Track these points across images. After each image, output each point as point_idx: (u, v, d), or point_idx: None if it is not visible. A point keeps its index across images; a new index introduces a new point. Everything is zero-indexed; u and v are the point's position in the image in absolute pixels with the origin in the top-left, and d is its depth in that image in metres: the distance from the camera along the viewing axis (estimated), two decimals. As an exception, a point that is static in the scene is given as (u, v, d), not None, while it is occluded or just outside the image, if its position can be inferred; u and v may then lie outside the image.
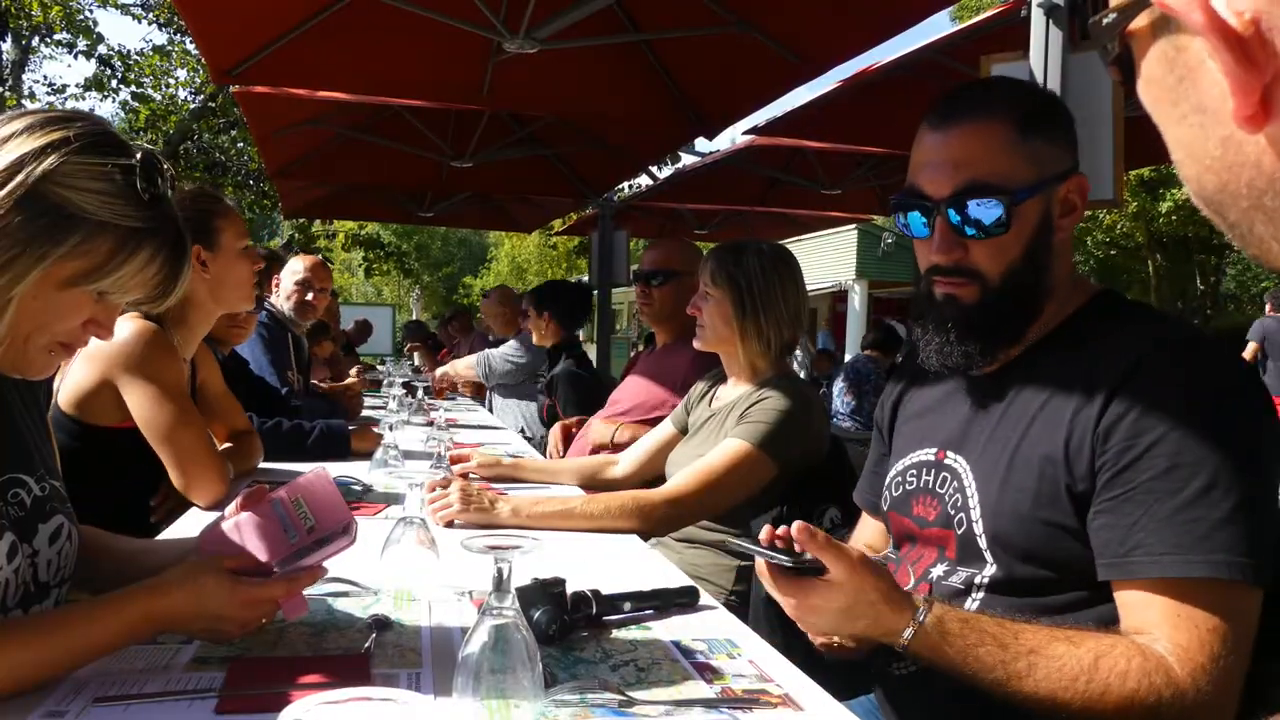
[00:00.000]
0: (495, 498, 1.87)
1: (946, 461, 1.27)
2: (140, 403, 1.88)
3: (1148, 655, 0.99)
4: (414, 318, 13.50)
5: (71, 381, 1.90)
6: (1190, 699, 0.97)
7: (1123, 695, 0.98)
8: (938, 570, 1.26)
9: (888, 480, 1.40)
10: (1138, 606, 1.03)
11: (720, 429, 2.08)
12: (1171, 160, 0.48)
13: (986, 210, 1.14)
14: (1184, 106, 0.44)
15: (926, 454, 1.31)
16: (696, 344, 2.20)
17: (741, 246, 2.17)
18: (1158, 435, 1.02)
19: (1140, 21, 0.45)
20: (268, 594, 1.09)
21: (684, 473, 1.96)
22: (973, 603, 1.19)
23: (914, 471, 1.33)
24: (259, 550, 1.12)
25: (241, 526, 1.13)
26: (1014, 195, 1.13)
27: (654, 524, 1.90)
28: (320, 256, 4.34)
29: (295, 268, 3.82)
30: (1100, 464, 1.06)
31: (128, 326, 1.87)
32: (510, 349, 4.80)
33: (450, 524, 1.79)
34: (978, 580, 1.19)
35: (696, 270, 3.01)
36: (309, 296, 3.78)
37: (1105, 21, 0.48)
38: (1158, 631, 1.00)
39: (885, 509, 1.41)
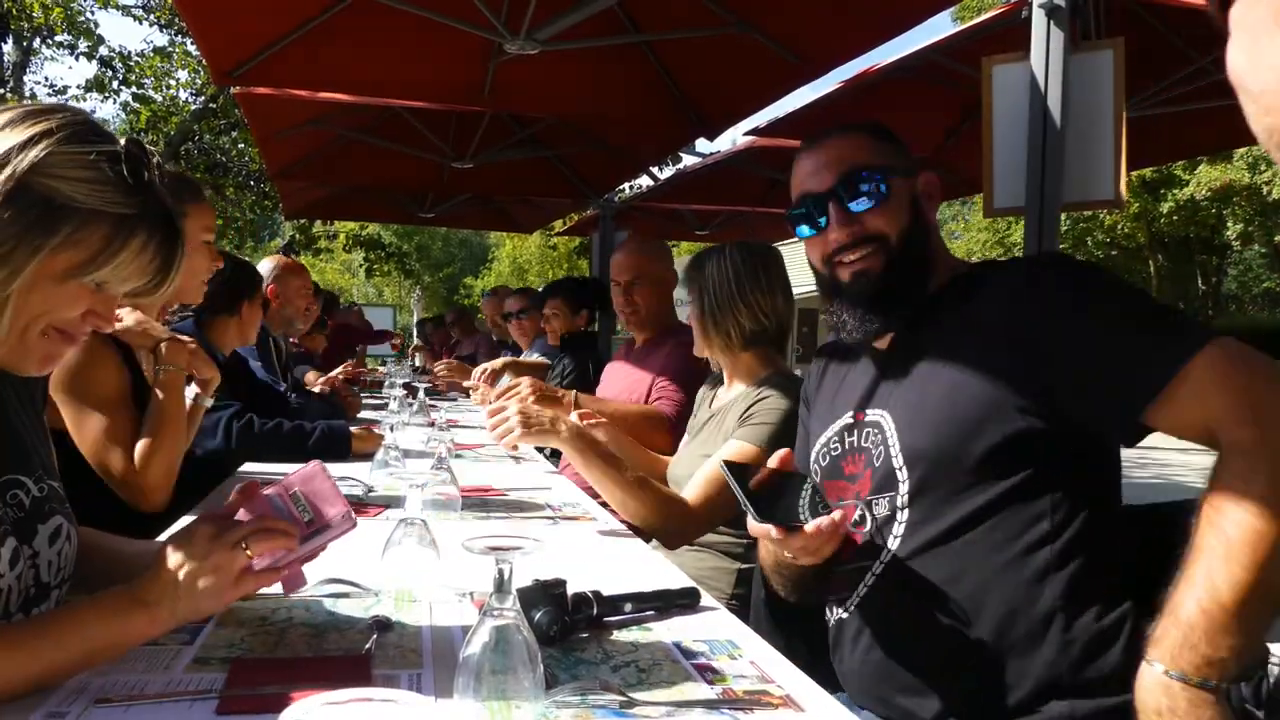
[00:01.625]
0: (557, 416, 1.87)
1: (866, 419, 1.40)
2: (68, 418, 1.84)
3: (1226, 467, 1.05)
4: (415, 318, 13.49)
5: None
6: (1263, 450, 1.03)
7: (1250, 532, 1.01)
8: (858, 512, 1.36)
9: (812, 457, 1.49)
10: (1180, 405, 1.11)
11: (719, 429, 2.08)
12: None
13: (869, 184, 1.36)
14: None
15: (845, 420, 1.44)
16: (696, 353, 2.25)
17: (707, 252, 2.21)
18: (1076, 310, 1.21)
19: None
20: (240, 562, 1.06)
21: (698, 484, 1.95)
22: (899, 526, 1.30)
23: (835, 439, 1.44)
24: None
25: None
26: (887, 171, 1.37)
27: (676, 531, 1.93)
28: (292, 258, 4.37)
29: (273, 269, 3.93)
30: (1048, 355, 1.20)
31: None
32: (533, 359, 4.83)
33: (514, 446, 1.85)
34: (899, 501, 1.31)
35: (670, 266, 3.05)
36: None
37: None
38: (1211, 403, 1.09)
39: (819, 481, 1.45)
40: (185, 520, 1.84)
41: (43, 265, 1.00)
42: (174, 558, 1.04)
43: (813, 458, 1.50)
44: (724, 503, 1.91)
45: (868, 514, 1.35)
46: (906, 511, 1.30)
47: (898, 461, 1.31)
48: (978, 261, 1.46)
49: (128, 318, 1.92)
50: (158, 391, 1.93)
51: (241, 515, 1.13)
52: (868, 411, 1.40)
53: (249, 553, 1.07)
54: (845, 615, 1.37)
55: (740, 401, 2.07)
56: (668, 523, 1.89)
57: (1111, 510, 1.27)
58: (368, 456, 2.57)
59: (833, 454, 1.45)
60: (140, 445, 1.89)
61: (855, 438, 1.41)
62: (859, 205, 1.37)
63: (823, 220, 1.39)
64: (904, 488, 1.30)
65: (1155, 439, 1.20)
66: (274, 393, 3.17)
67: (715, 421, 2.15)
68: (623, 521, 2.06)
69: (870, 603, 1.33)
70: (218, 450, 2.52)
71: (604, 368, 3.39)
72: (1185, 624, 1.02)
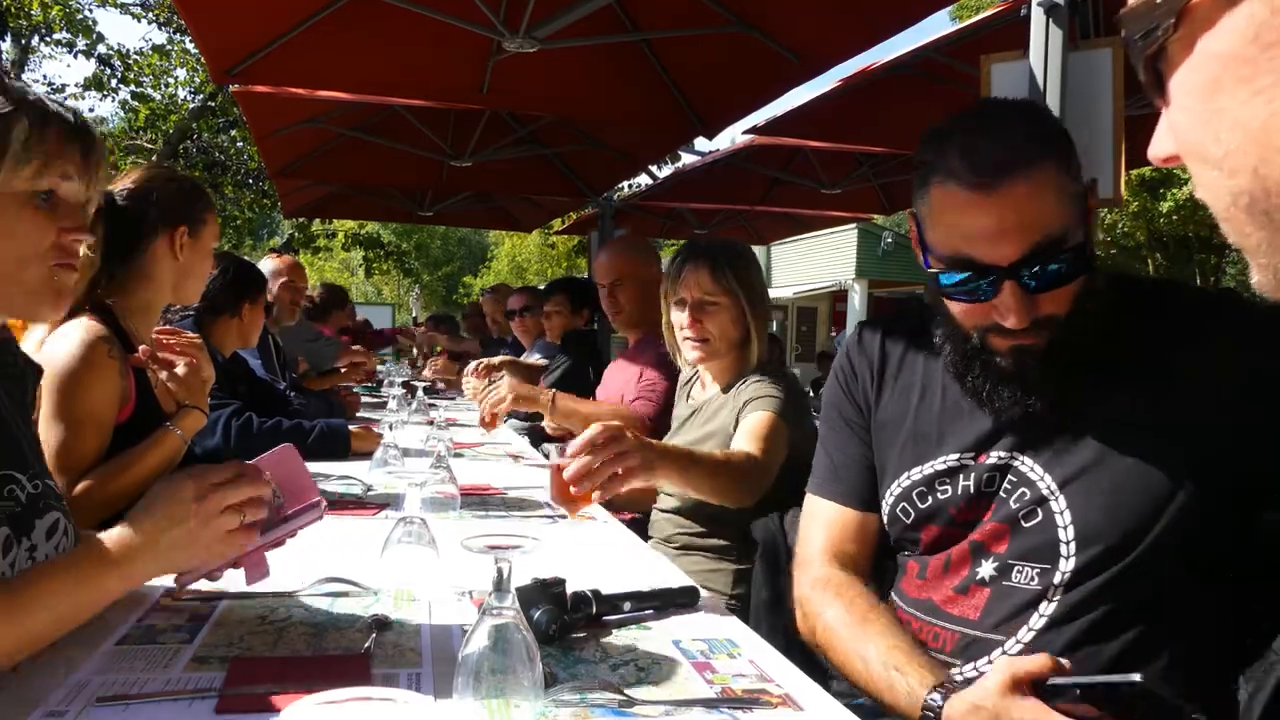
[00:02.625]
0: (648, 457, 1.62)
1: (990, 462, 1.23)
2: (43, 413, 1.71)
3: None
4: (414, 316, 13.45)
5: None
6: None
7: None
8: (986, 568, 1.21)
9: (898, 489, 1.33)
10: None
11: (703, 422, 2.10)
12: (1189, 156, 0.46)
13: (1060, 264, 1.10)
14: (1264, 80, 0.41)
15: (950, 460, 1.27)
16: (697, 357, 2.14)
17: (730, 248, 2.16)
18: None
19: (1185, 33, 0.43)
20: (236, 496, 1.11)
21: (751, 435, 1.91)
22: (1049, 605, 1.15)
23: (944, 480, 1.28)
24: None
25: None
26: (1078, 248, 1.11)
27: (754, 486, 1.83)
28: (292, 257, 4.42)
29: (276, 269, 3.93)
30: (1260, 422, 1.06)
31: (74, 334, 1.76)
32: (533, 359, 4.82)
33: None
34: (1055, 580, 1.15)
35: (654, 265, 3.03)
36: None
37: (1139, 31, 0.46)
38: None
39: (905, 519, 1.33)
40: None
41: None
42: (151, 518, 1.08)
43: (897, 491, 1.32)
44: (774, 451, 1.90)
45: (984, 568, 1.21)
46: (1060, 592, 1.14)
47: (1065, 534, 1.14)
48: (1129, 279, 1.22)
49: (180, 368, 1.87)
50: (155, 444, 1.80)
51: None
52: (993, 453, 1.23)
53: (230, 518, 1.11)
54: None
55: (723, 396, 2.10)
56: (752, 478, 1.82)
57: None
58: (367, 455, 2.58)
59: (939, 496, 1.28)
60: (102, 472, 1.74)
61: (972, 481, 1.24)
62: (1043, 284, 1.11)
63: (991, 294, 1.13)
64: (1067, 564, 1.14)
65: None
66: (274, 392, 3.17)
67: (699, 415, 2.16)
68: (624, 521, 2.07)
69: None
70: (216, 449, 2.51)
71: (604, 368, 3.39)
72: None
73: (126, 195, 1.95)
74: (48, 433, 1.71)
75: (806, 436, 2.03)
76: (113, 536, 1.08)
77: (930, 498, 1.29)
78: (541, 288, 5.36)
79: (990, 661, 1.16)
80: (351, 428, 2.79)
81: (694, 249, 2.17)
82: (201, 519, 1.09)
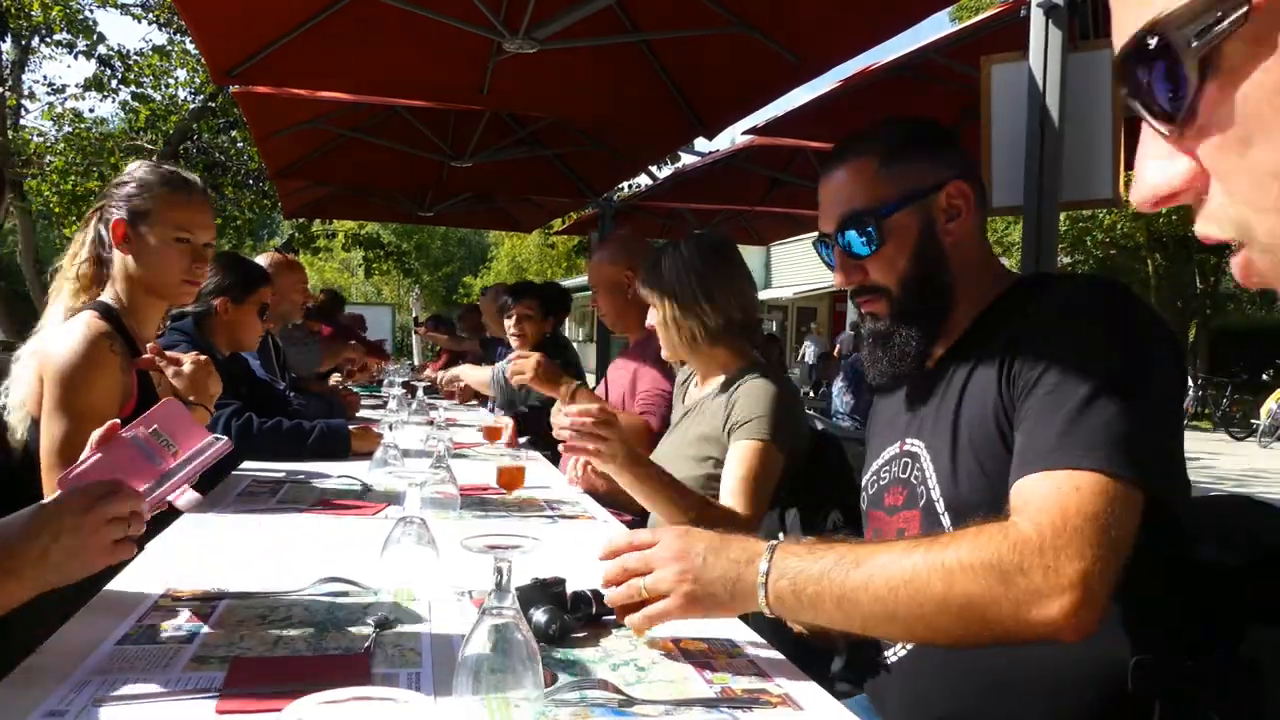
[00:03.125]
0: (614, 441, 1.78)
1: (906, 448, 1.33)
2: (46, 405, 1.76)
3: (991, 522, 1.03)
4: (414, 316, 13.45)
5: (25, 384, 1.81)
6: (1035, 546, 0.97)
7: (962, 552, 1.00)
8: None
9: (864, 483, 1.44)
10: (1017, 498, 1.06)
11: (696, 424, 2.09)
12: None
13: (863, 233, 1.30)
14: None
15: (892, 449, 1.38)
16: (663, 355, 2.22)
17: (663, 249, 2.19)
18: (1045, 363, 1.11)
19: (1261, 24, 0.38)
20: (120, 508, 1.13)
21: (734, 487, 1.92)
22: None
23: (886, 467, 1.38)
24: (128, 481, 1.17)
25: (99, 465, 1.19)
26: (878, 214, 1.29)
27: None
28: (286, 255, 4.41)
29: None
30: (1011, 396, 1.15)
31: (76, 330, 1.79)
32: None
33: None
34: None
35: (626, 266, 3.02)
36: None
37: (1192, 30, 0.40)
38: (1026, 511, 1.02)
39: (865, 509, 1.44)
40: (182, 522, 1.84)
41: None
42: (42, 529, 1.10)
43: (864, 485, 1.44)
44: (765, 486, 1.91)
45: None
46: None
47: (939, 506, 1.23)
48: (1038, 275, 1.37)
49: (187, 365, 1.89)
50: None
51: (100, 458, 1.20)
52: (907, 441, 1.34)
53: (112, 522, 1.13)
54: (892, 661, 1.28)
55: (716, 398, 2.07)
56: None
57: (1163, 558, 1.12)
58: (367, 455, 2.58)
59: (880, 484, 1.39)
60: None
61: (898, 467, 1.34)
62: (857, 252, 1.32)
63: (831, 260, 1.37)
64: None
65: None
66: (274, 392, 3.17)
67: (691, 416, 2.15)
68: (624, 522, 2.07)
69: (918, 659, 1.23)
70: None
71: (579, 375, 3.37)
72: (819, 581, 1.05)
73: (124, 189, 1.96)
74: (50, 426, 1.74)
75: (802, 436, 2.03)
76: (4, 548, 1.09)
77: (875, 487, 1.40)
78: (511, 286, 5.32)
79: (905, 646, 1.24)
80: (351, 428, 2.79)
81: (650, 256, 2.24)
82: (90, 529, 1.11)
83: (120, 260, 1.94)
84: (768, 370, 2.06)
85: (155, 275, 1.96)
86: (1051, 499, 1.01)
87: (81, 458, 1.22)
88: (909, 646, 1.23)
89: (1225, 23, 0.39)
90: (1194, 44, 0.40)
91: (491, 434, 3.15)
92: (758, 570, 1.09)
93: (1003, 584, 0.97)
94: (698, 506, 1.81)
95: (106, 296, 1.95)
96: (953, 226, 1.30)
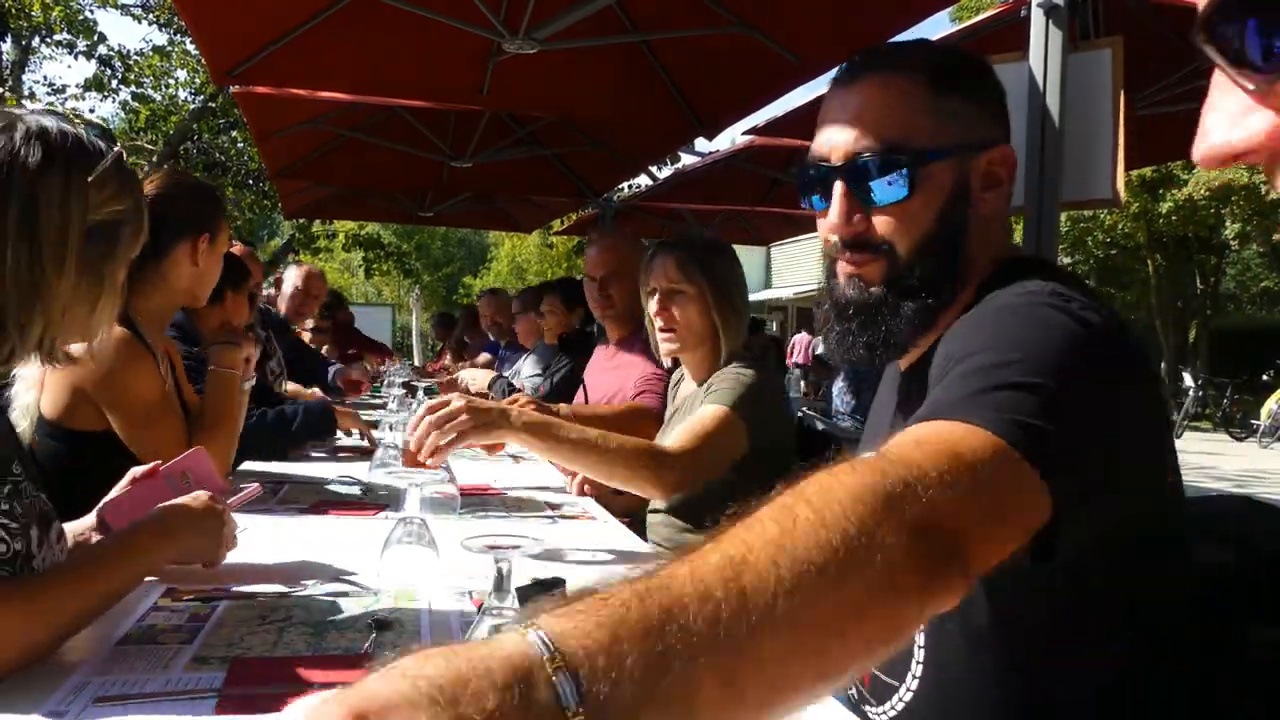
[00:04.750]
0: (504, 409, 1.66)
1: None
2: (117, 421, 1.85)
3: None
4: (414, 318, 13.46)
5: (50, 391, 1.85)
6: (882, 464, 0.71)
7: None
8: None
9: None
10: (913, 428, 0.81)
11: (682, 418, 2.09)
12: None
13: (893, 175, 1.01)
14: None
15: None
16: (669, 349, 2.14)
17: (697, 239, 2.16)
18: (960, 353, 0.89)
19: None
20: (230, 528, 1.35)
21: (674, 434, 1.92)
22: None
23: None
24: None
25: (134, 496, 1.38)
26: (919, 155, 1.01)
27: (664, 476, 1.75)
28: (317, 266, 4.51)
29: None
30: None
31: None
32: (531, 366, 4.81)
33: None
34: None
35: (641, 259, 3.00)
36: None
37: None
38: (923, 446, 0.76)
39: None
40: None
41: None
42: (176, 517, 1.27)
43: None
44: (712, 445, 1.84)
45: None
46: None
47: None
48: (1004, 262, 1.07)
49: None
50: (213, 390, 2.03)
51: (134, 490, 1.40)
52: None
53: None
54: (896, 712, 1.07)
55: (700, 389, 2.09)
56: (661, 477, 1.74)
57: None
58: (356, 453, 2.61)
59: None
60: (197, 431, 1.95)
61: None
62: (872, 198, 1.03)
63: (826, 201, 1.07)
64: None
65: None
66: (260, 384, 3.21)
67: (680, 415, 2.16)
68: (623, 520, 2.06)
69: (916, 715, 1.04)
70: None
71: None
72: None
73: (150, 202, 1.97)
74: (140, 445, 1.84)
75: (782, 429, 2.01)
76: (128, 529, 1.26)
77: None
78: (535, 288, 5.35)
79: (894, 708, 1.05)
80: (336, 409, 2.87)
81: (665, 242, 2.19)
82: (222, 518, 1.33)
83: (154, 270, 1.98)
84: (752, 363, 2.06)
85: (198, 284, 2.06)
86: (910, 439, 0.78)
87: (118, 487, 1.40)
88: (893, 715, 1.06)
89: None
90: None
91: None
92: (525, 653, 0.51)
93: None
94: (610, 445, 1.68)
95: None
96: (988, 197, 1.05)
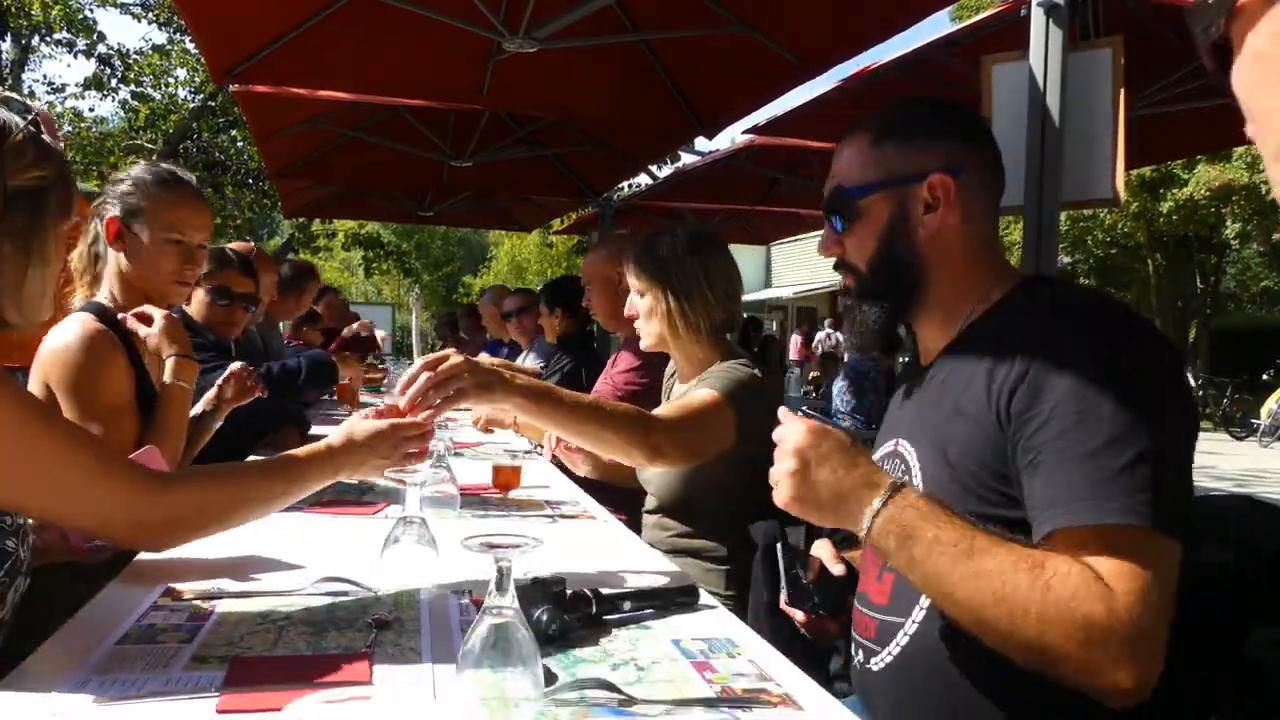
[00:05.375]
0: (501, 373, 1.61)
1: (898, 448, 1.30)
2: (71, 413, 1.76)
3: (1088, 567, 1.00)
4: (414, 317, 13.46)
5: (29, 388, 1.82)
6: (1124, 613, 0.97)
7: (1064, 594, 0.98)
8: None
9: None
10: (1071, 544, 1.03)
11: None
12: (1246, 145, 0.48)
13: (841, 209, 1.32)
14: None
15: (887, 447, 1.35)
16: (643, 345, 2.15)
17: (655, 236, 2.12)
18: (1059, 397, 1.06)
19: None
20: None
21: (666, 407, 1.90)
22: None
23: (880, 465, 1.34)
24: None
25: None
26: (854, 192, 1.30)
27: (652, 439, 1.74)
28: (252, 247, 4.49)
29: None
30: (1012, 433, 1.10)
31: (71, 329, 1.80)
32: (531, 363, 4.82)
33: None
34: None
35: (618, 264, 2.99)
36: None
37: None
38: (1105, 571, 1.00)
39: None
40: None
41: None
42: (368, 434, 1.46)
43: None
44: (699, 423, 1.83)
45: None
46: None
47: None
48: (1028, 279, 1.30)
49: (157, 320, 1.90)
50: (167, 403, 1.90)
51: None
52: (901, 442, 1.30)
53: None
54: (878, 669, 1.25)
55: (692, 382, 2.06)
56: (648, 442, 1.74)
57: None
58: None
59: None
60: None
61: (890, 467, 1.30)
62: (836, 226, 1.33)
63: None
64: None
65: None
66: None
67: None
68: (624, 522, 2.07)
69: (908, 661, 1.21)
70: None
71: (602, 368, 3.37)
72: (927, 549, 1.03)
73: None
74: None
75: (771, 406, 2.00)
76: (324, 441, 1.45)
77: None
78: (538, 289, 5.34)
79: (899, 645, 1.21)
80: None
81: (636, 241, 2.17)
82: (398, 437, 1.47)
83: (114, 258, 1.95)
84: (751, 362, 2.04)
85: (146, 274, 1.96)
86: (1121, 569, 0.99)
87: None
88: (896, 653, 1.22)
89: (1213, 26, 0.48)
90: (1203, 35, 0.50)
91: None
92: (871, 503, 1.07)
93: (1084, 648, 0.97)
94: (602, 412, 1.70)
95: (101, 296, 1.95)
96: (929, 219, 1.26)
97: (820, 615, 1.40)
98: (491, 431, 3.12)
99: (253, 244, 4.20)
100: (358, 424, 1.48)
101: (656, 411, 1.83)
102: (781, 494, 1.12)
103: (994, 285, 1.27)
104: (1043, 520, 1.05)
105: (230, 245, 3.84)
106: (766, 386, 1.99)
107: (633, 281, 2.11)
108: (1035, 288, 1.27)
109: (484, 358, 1.92)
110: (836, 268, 1.38)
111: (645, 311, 2.10)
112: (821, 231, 1.39)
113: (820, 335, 18.03)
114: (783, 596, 1.41)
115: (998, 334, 1.19)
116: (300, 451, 1.42)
